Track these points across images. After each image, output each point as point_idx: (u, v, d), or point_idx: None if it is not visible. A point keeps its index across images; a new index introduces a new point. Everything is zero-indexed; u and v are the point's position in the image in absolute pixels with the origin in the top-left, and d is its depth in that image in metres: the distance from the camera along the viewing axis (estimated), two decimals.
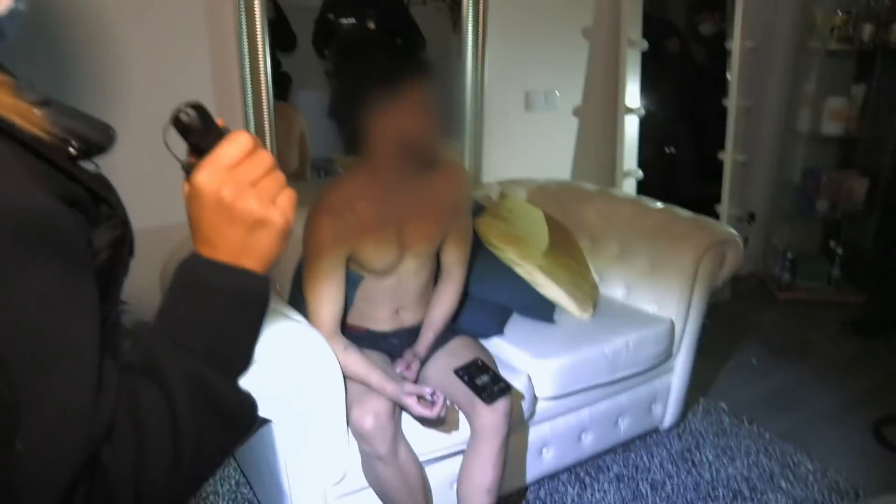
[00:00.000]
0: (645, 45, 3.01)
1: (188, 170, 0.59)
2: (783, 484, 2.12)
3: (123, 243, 0.62)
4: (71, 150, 0.57)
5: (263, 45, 2.07)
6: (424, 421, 1.66)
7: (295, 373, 1.47)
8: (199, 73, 2.07)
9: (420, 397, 1.55)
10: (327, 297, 1.61)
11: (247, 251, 0.59)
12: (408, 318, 1.82)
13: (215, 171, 0.57)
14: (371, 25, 2.56)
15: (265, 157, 0.59)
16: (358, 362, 1.60)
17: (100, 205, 0.59)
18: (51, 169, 0.54)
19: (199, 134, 0.58)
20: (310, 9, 2.56)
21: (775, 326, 3.24)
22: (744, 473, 2.17)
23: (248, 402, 0.62)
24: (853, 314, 3.26)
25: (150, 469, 0.53)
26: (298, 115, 2.55)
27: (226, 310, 0.59)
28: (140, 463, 0.53)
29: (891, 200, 3.36)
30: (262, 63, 2.08)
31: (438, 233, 1.78)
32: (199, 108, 0.58)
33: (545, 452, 2.03)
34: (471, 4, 2.49)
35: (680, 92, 3.60)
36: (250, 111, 2.13)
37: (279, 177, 0.60)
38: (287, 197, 0.60)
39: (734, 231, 2.27)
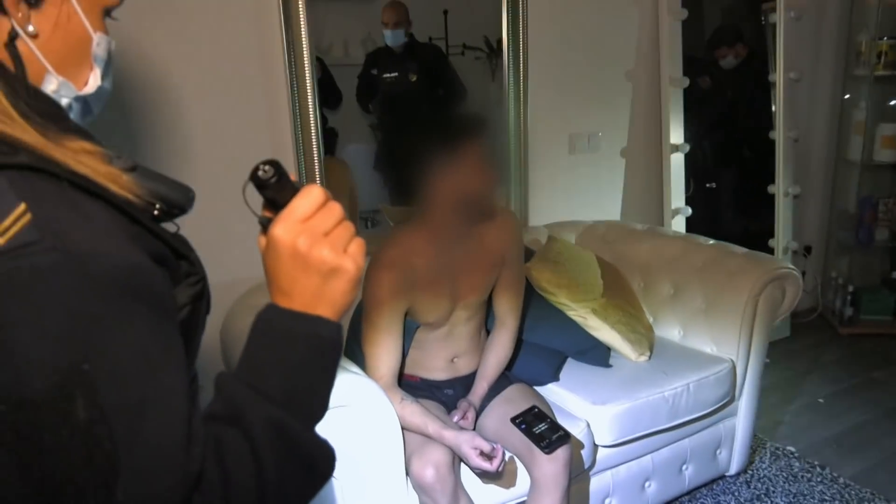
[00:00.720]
0: (686, 82, 3.00)
1: (265, 224, 0.62)
2: None
3: (202, 299, 0.65)
4: (155, 211, 0.61)
5: (313, 103, 2.14)
6: (483, 474, 1.63)
7: (354, 426, 1.47)
8: (258, 135, 2.15)
9: (481, 451, 1.53)
10: (386, 350, 1.62)
11: (321, 299, 0.61)
12: (462, 366, 1.81)
13: (291, 224, 0.60)
14: (413, 78, 2.62)
15: (336, 209, 0.62)
16: (415, 413, 1.59)
17: (181, 262, 0.63)
18: (140, 229, 0.58)
19: (275, 189, 0.61)
20: (353, 66, 2.65)
21: (840, 363, 3.11)
22: None
23: (326, 449, 0.64)
24: None
25: None
26: (347, 168, 2.61)
27: (303, 356, 0.61)
28: None
29: None
30: (311, 120, 2.15)
31: (489, 282, 1.78)
32: (276, 165, 0.60)
33: (608, 503, 1.97)
34: (510, 53, 2.53)
35: (716, 127, 3.56)
36: (302, 167, 2.18)
37: (349, 227, 0.63)
38: (357, 245, 0.63)
39: (791, 265, 2.20)
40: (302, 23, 2.06)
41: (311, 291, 0.61)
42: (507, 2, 2.49)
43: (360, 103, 2.70)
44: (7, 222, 0.49)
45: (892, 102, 3.37)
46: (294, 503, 0.62)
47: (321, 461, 0.63)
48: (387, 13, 2.54)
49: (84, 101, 0.67)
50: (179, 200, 0.64)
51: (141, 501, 0.51)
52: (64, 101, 0.65)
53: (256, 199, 0.63)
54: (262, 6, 2.07)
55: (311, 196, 0.61)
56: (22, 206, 0.50)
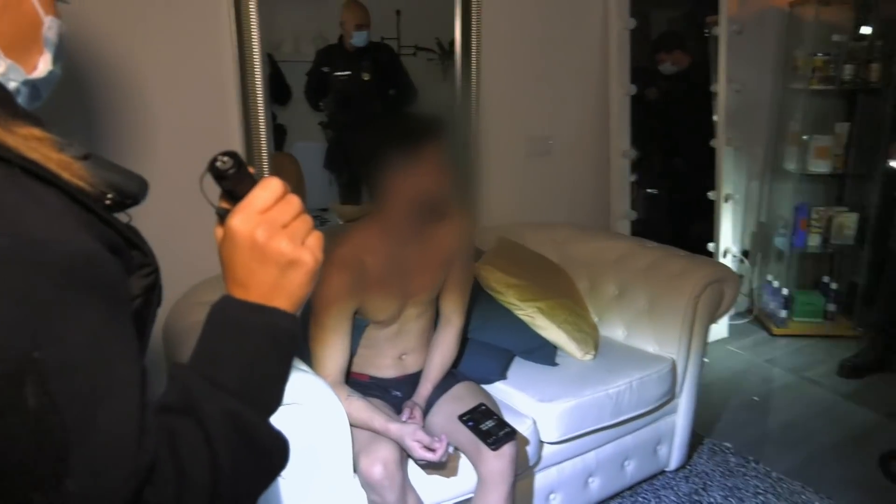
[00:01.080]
0: (633, 89, 3.09)
1: (222, 215, 0.62)
2: None
3: (154, 291, 0.64)
4: (108, 200, 0.60)
5: (264, 98, 2.11)
6: (427, 465, 1.64)
7: (302, 423, 1.46)
8: (206, 127, 2.12)
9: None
10: (334, 349, 1.62)
11: (278, 291, 0.61)
12: (411, 363, 1.82)
13: (249, 215, 0.60)
14: (366, 77, 2.62)
15: (294, 202, 0.62)
16: (361, 408, 1.59)
17: (133, 253, 0.62)
18: (93, 218, 0.57)
19: (233, 180, 0.61)
20: (303, 63, 2.63)
21: (774, 363, 3.24)
22: None
23: (281, 440, 0.64)
24: (850, 348, 3.27)
25: None
26: (297, 164, 2.59)
27: (259, 347, 0.61)
28: (180, 502, 0.54)
29: (880, 235, 3.41)
30: (261, 115, 2.12)
31: (439, 280, 1.79)
32: (234, 156, 0.60)
33: (553, 499, 2.01)
34: (463, 55, 2.56)
35: (661, 136, 3.67)
36: (251, 161, 2.16)
37: (307, 219, 0.63)
38: (315, 238, 0.63)
39: (731, 267, 2.29)
40: (252, 17, 2.04)
41: (268, 283, 0.61)
42: (461, 4, 2.51)
43: (309, 100, 2.68)
44: None
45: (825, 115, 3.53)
46: (248, 494, 0.61)
47: (276, 452, 0.63)
48: (355, 14, 2.53)
49: (33, 85, 0.65)
50: (133, 190, 0.63)
51: (92, 492, 0.50)
52: (11, 85, 0.63)
53: (214, 190, 0.62)
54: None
55: (269, 188, 0.61)
56: None
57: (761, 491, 2.26)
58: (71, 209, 0.55)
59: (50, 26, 0.65)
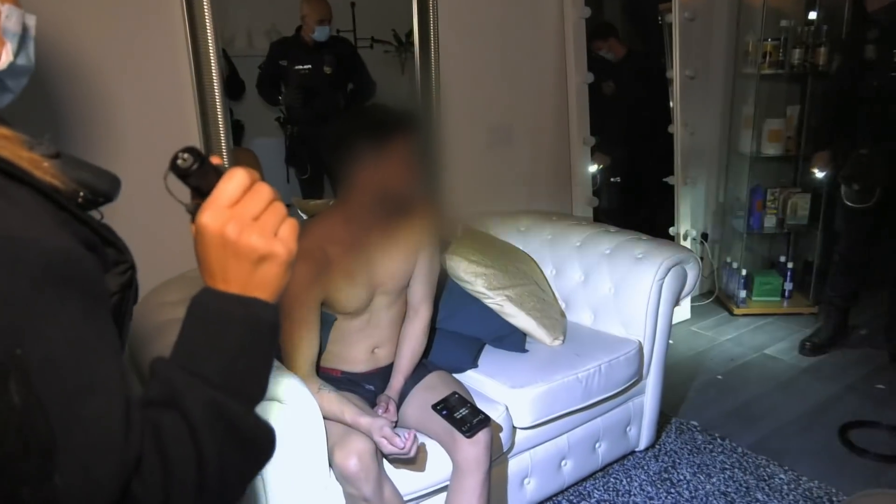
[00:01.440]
0: (591, 77, 3.12)
1: (193, 212, 0.61)
2: (760, 496, 2.16)
3: (130, 288, 0.64)
4: (80, 198, 0.60)
5: (220, 93, 2.08)
6: (395, 461, 1.64)
7: (276, 418, 1.44)
8: (163, 124, 2.08)
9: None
10: (303, 342, 1.60)
11: (254, 283, 0.61)
12: (383, 356, 1.81)
13: (217, 211, 0.59)
14: (328, 71, 2.59)
15: (264, 191, 0.61)
16: (332, 400, 1.59)
17: (108, 250, 0.62)
18: (67, 216, 0.57)
19: (198, 176, 0.59)
20: (256, 57, 2.59)
21: (736, 342, 3.32)
22: (721, 489, 2.20)
23: (266, 430, 0.63)
24: (808, 324, 3.37)
25: (176, 499, 0.55)
26: (256, 158, 2.55)
27: (240, 338, 0.60)
28: (167, 494, 0.54)
29: (831, 215, 3.52)
30: (218, 110, 2.08)
31: (408, 268, 1.79)
32: (194, 151, 0.59)
33: (527, 483, 2.03)
34: (421, 46, 2.55)
35: (618, 125, 3.73)
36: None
37: (279, 208, 0.62)
38: (289, 227, 0.62)
39: (691, 249, 2.33)
40: (206, 11, 2.00)
41: (243, 277, 0.60)
42: None
43: (263, 95, 2.64)
44: None
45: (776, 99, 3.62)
46: (235, 485, 0.61)
47: (262, 442, 0.63)
48: (317, 9, 2.51)
49: None
50: (104, 188, 0.63)
51: (79, 487, 0.51)
52: None
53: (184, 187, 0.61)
54: None
55: (235, 179, 0.59)
56: None
57: (727, 466, 2.31)
58: (45, 207, 0.55)
59: (8, 15, 0.62)
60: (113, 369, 0.54)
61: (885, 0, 2.66)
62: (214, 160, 0.61)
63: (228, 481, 0.59)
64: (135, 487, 0.53)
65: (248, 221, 0.59)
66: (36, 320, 0.50)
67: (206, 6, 1.99)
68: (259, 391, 0.63)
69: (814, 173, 3.24)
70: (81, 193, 0.60)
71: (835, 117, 3.06)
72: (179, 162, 0.58)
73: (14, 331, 0.49)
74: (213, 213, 0.59)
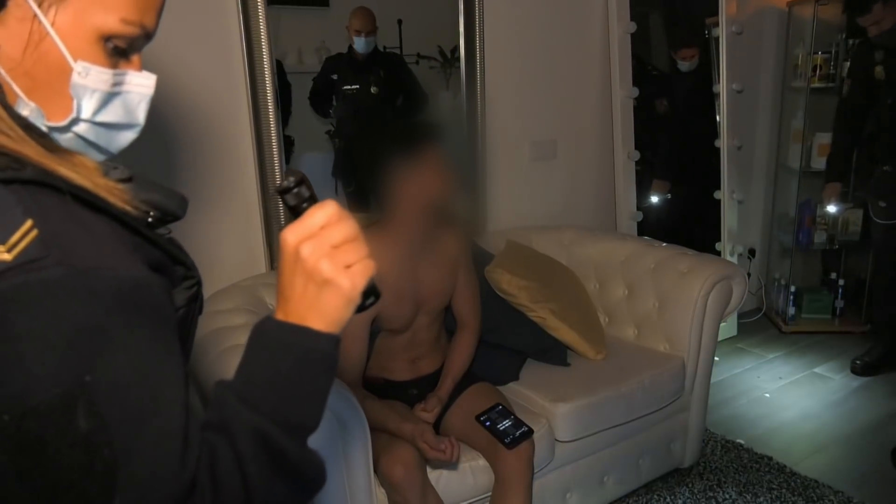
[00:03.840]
0: (636, 92, 3.11)
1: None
2: None
3: (196, 301, 0.67)
4: (150, 218, 0.63)
5: (275, 112, 2.13)
6: (438, 466, 1.67)
7: (323, 426, 1.48)
8: (218, 141, 2.15)
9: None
10: (353, 355, 1.65)
11: (314, 309, 0.62)
12: (425, 367, 1.84)
13: (301, 231, 0.62)
14: (374, 91, 2.64)
15: (349, 226, 0.63)
16: (376, 409, 1.62)
17: (177, 267, 0.65)
18: (139, 240, 0.60)
19: (294, 197, 0.65)
20: (307, 74, 2.65)
21: (784, 360, 3.26)
22: None
23: (314, 460, 0.65)
24: (860, 344, 3.28)
25: None
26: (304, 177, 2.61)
27: (294, 368, 0.62)
28: None
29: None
30: (272, 128, 2.14)
31: (450, 287, 1.83)
32: (297, 174, 0.65)
33: (569, 497, 2.02)
34: (467, 61, 2.58)
35: (665, 136, 3.69)
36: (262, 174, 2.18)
37: (359, 247, 0.63)
38: (362, 266, 0.63)
39: (738, 265, 2.31)
40: (262, 28, 2.06)
41: (306, 300, 0.62)
42: (464, 11, 2.54)
43: (314, 107, 2.70)
44: (15, 238, 0.50)
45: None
46: None
47: (309, 471, 0.64)
48: (359, 20, 2.55)
49: (78, 135, 0.62)
50: (173, 208, 0.65)
51: None
52: (44, 129, 0.61)
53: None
54: (222, 8, 2.07)
55: (325, 208, 0.63)
56: (29, 223, 0.51)
57: (775, 486, 2.27)
58: (119, 233, 0.58)
59: (80, 72, 0.59)
60: (175, 394, 0.57)
61: (884, 26, 2.79)
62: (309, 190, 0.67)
63: None
64: None
65: (325, 247, 0.62)
66: (106, 348, 0.52)
67: (261, 20, 2.05)
68: (311, 420, 0.64)
69: (826, 207, 3.30)
70: (151, 214, 0.63)
71: (851, 140, 3.16)
72: (284, 183, 0.65)
73: (85, 359, 0.51)
74: (296, 232, 0.62)
